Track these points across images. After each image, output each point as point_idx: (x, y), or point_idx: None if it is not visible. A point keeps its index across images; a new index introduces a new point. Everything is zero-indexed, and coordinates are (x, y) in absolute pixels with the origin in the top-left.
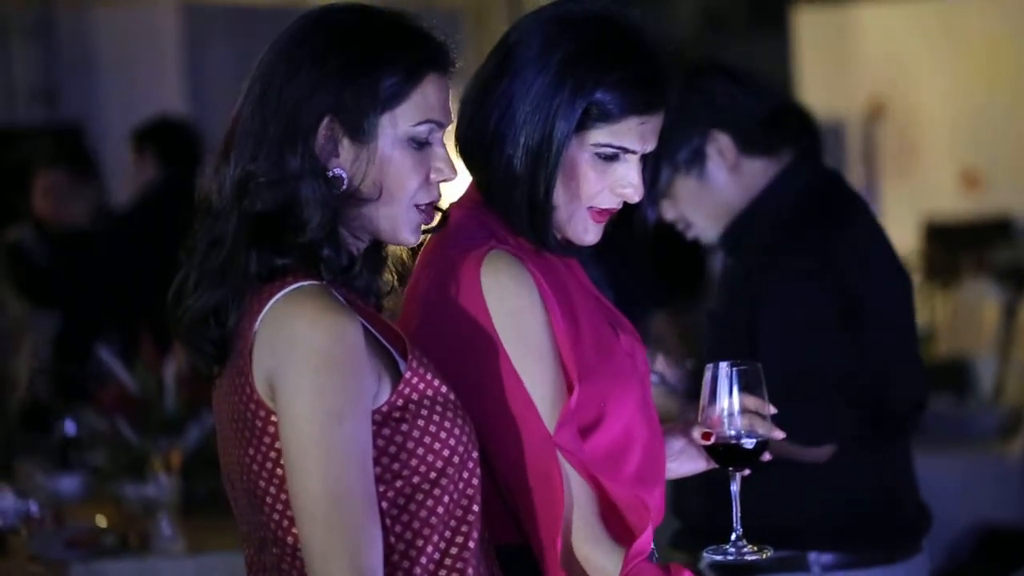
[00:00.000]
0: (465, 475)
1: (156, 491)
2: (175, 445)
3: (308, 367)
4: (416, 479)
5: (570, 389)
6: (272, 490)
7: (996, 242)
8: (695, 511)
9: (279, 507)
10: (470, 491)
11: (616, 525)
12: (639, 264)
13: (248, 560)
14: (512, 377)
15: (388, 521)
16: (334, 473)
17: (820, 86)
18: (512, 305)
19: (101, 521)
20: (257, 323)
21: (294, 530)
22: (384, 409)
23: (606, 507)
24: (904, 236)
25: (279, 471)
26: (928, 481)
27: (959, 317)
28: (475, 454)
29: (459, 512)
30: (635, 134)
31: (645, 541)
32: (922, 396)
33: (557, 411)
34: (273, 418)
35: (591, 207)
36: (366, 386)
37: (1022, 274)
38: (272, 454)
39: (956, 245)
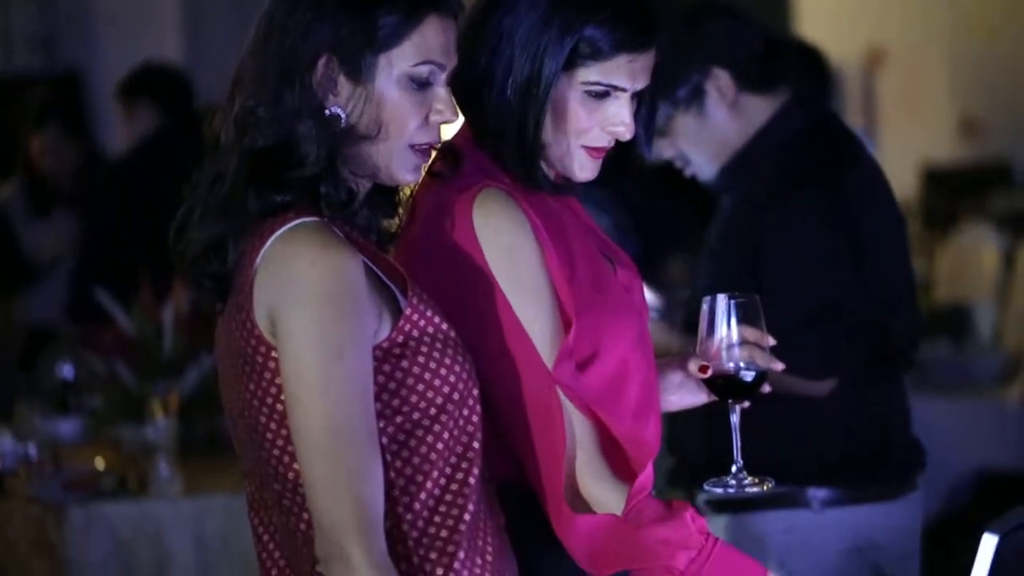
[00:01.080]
0: (465, 412)
1: (154, 434)
2: (173, 388)
3: (308, 303)
4: (416, 415)
5: (567, 325)
6: (273, 426)
7: (995, 189)
8: (692, 447)
9: (280, 443)
10: (470, 428)
11: (616, 461)
12: (658, 206)
13: (249, 497)
14: (508, 314)
15: (388, 457)
16: (334, 408)
17: (819, 33)
18: (505, 242)
19: (99, 464)
20: (258, 259)
21: (295, 466)
22: (384, 345)
23: (607, 443)
24: (903, 183)
25: (279, 407)
26: (927, 426)
27: (958, 263)
28: (475, 391)
29: (459, 448)
30: (625, 72)
31: (647, 476)
32: (918, 334)
33: (555, 347)
34: (274, 354)
35: (583, 145)
36: (366, 322)
37: (1021, 220)
38: (272, 390)
39: (955, 192)
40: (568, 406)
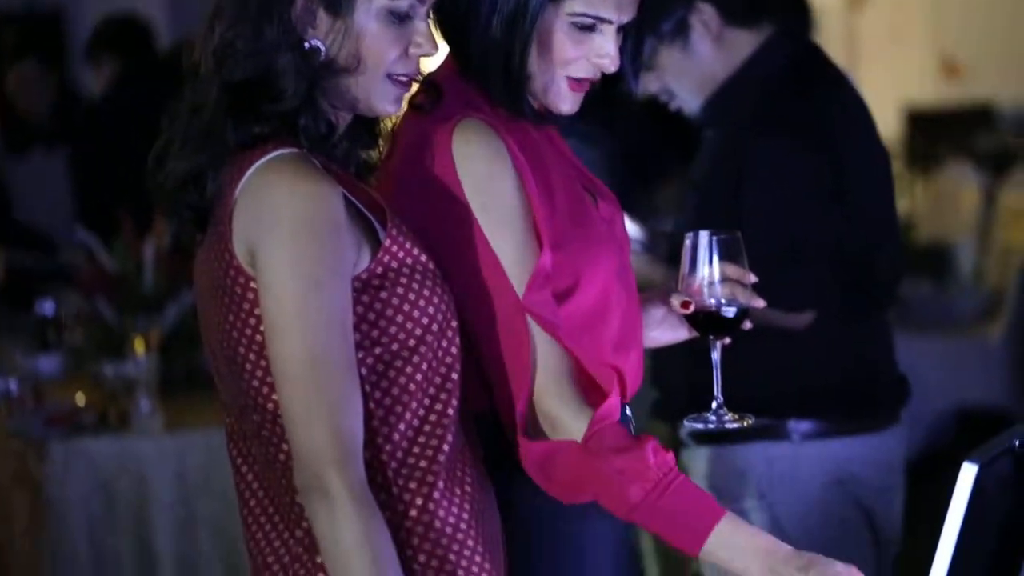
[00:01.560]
0: (444, 343)
1: (135, 369)
2: (154, 324)
3: (287, 234)
4: (395, 346)
5: (542, 254)
6: (252, 356)
7: (977, 130)
8: (675, 381)
9: (259, 373)
10: (449, 359)
11: (587, 391)
12: (644, 138)
13: (229, 428)
14: (483, 243)
15: (368, 388)
16: (313, 338)
17: None
18: (483, 172)
19: (80, 400)
20: (237, 190)
21: (274, 396)
22: (363, 276)
23: (576, 371)
24: (884, 124)
25: (258, 337)
26: (909, 364)
27: (939, 203)
28: (454, 323)
29: (438, 380)
30: (611, 4)
31: (612, 405)
32: (901, 269)
33: (527, 275)
34: (252, 284)
35: (568, 76)
36: (346, 253)
37: (1002, 159)
38: (252, 320)
39: (937, 133)
40: (537, 332)
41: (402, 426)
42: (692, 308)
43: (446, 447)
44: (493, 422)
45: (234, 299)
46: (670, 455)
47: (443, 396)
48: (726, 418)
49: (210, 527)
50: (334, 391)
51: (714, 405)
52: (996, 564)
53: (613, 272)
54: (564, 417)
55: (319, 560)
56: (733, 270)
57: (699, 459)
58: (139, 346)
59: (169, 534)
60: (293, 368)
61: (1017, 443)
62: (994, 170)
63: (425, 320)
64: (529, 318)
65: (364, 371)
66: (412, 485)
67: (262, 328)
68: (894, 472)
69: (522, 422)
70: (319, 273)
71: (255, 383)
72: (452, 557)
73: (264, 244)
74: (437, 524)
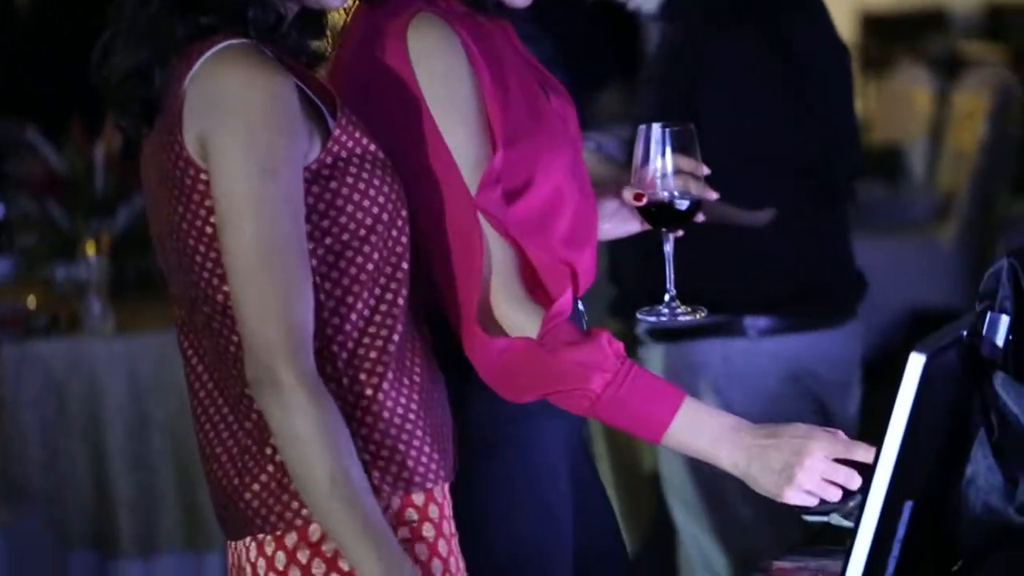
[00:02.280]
0: (394, 233)
1: (86, 272)
2: (105, 227)
3: (240, 124)
4: (346, 236)
5: (495, 151)
6: (202, 248)
7: (930, 34)
8: (630, 277)
9: (209, 265)
10: (399, 249)
11: (539, 290)
12: (590, 40)
13: (179, 322)
14: (436, 139)
15: (318, 279)
16: (267, 228)
17: None
18: (438, 66)
19: (31, 302)
20: (186, 81)
21: (224, 288)
22: (314, 167)
23: (527, 270)
24: (839, 27)
25: (208, 229)
26: (862, 266)
27: (892, 105)
28: (404, 212)
29: (388, 270)
30: None
31: (564, 302)
32: (857, 168)
33: (479, 173)
34: (203, 176)
35: None
36: (298, 142)
37: (955, 62)
38: (202, 212)
39: (890, 36)
40: (489, 231)
41: (353, 316)
42: (645, 201)
43: (396, 337)
44: (439, 318)
45: (184, 191)
46: (621, 344)
47: (393, 286)
48: (678, 311)
49: (162, 428)
50: (286, 282)
51: (667, 298)
52: (943, 455)
53: (566, 168)
54: (516, 317)
55: (268, 452)
56: (686, 162)
57: (655, 356)
58: (90, 249)
59: (121, 435)
60: (245, 259)
61: (965, 334)
62: (947, 73)
63: (375, 210)
64: (481, 217)
65: (314, 262)
66: (362, 376)
67: (212, 219)
68: (850, 367)
69: (474, 321)
70: (272, 163)
71: (205, 275)
72: (401, 447)
73: (216, 135)
74: (386, 414)
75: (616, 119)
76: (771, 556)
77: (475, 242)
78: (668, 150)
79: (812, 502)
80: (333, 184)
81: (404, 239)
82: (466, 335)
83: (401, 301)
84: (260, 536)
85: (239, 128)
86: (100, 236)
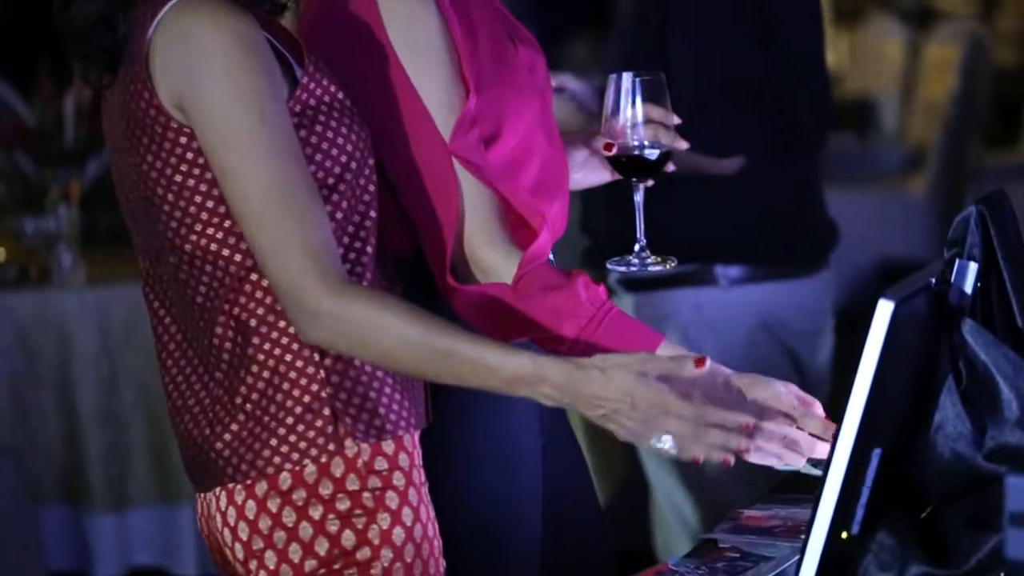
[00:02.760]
0: (362, 182)
1: (55, 224)
2: (75, 178)
3: (220, 72)
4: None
5: (467, 97)
6: (170, 197)
7: None
8: (602, 227)
9: (177, 215)
10: (367, 197)
11: (515, 233)
12: None
13: (144, 272)
14: (406, 86)
15: None
16: (269, 169)
17: None
18: (407, 12)
19: (0, 255)
20: (151, 29)
21: (192, 238)
22: None
23: (504, 215)
24: None
25: (178, 178)
26: (832, 217)
27: (863, 56)
28: (371, 161)
29: (356, 218)
30: None
31: (541, 246)
32: (828, 114)
33: (453, 117)
34: (173, 124)
35: None
36: (277, 82)
37: (926, 13)
38: (172, 160)
39: None
40: (464, 175)
41: None
42: (615, 150)
43: (364, 285)
44: (418, 268)
45: (153, 139)
46: (602, 289)
47: (361, 235)
48: (648, 260)
49: (132, 380)
50: (301, 211)
51: (637, 248)
52: (911, 403)
53: (534, 118)
54: (494, 258)
55: (239, 401)
56: (656, 112)
57: (627, 306)
58: (60, 200)
59: (91, 387)
60: (255, 205)
61: (933, 281)
62: (918, 25)
63: (344, 158)
64: (456, 162)
65: None
66: None
67: (183, 168)
68: (821, 317)
69: (451, 266)
70: (260, 104)
71: (173, 224)
72: (372, 395)
73: (198, 86)
74: (356, 362)
75: (587, 69)
76: (741, 506)
77: (451, 186)
78: (638, 99)
79: (771, 462)
80: (302, 132)
81: (371, 187)
82: (443, 281)
83: (370, 250)
84: (230, 485)
85: (220, 76)
86: (70, 187)
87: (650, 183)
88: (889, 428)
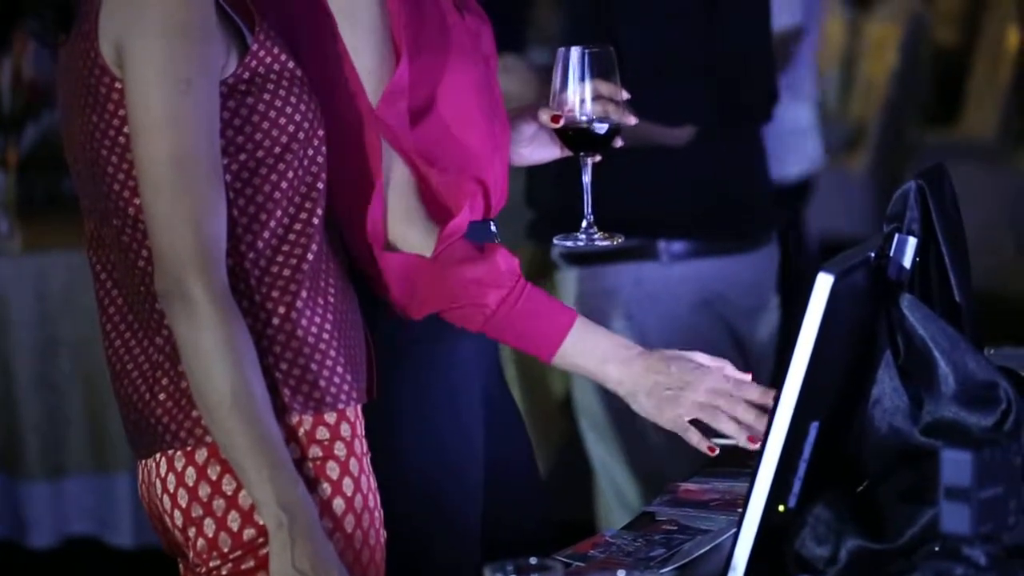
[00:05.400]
0: (310, 151)
1: None
2: (11, 145)
3: (157, 33)
4: (260, 153)
5: (399, 66)
6: (114, 159)
7: None
8: (548, 200)
9: (120, 177)
10: (314, 167)
11: (437, 208)
12: None
13: (89, 234)
14: (344, 53)
15: (232, 195)
16: (180, 139)
17: None
18: None
19: None
20: None
21: (136, 201)
22: (230, 81)
23: (426, 188)
24: None
25: (121, 139)
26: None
27: None
28: (320, 131)
29: (303, 188)
30: None
31: (461, 220)
32: (774, 85)
33: (382, 86)
34: (117, 85)
35: None
36: (215, 53)
37: None
38: (115, 122)
39: None
40: (386, 149)
41: (266, 234)
42: (562, 122)
43: (310, 256)
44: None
45: (98, 99)
46: (516, 261)
47: (308, 204)
48: (595, 236)
49: (71, 347)
50: (199, 195)
51: (584, 224)
52: (849, 377)
53: (474, 85)
54: (411, 234)
55: (180, 368)
56: (605, 87)
57: (569, 280)
58: None
59: (28, 356)
60: (157, 170)
61: (872, 255)
62: (858, 3)
63: (291, 127)
64: (381, 135)
65: (229, 178)
66: (275, 293)
67: (126, 130)
68: (763, 293)
69: (377, 238)
70: (188, 74)
71: (116, 186)
72: (313, 366)
73: (133, 44)
74: (299, 333)
75: (536, 42)
76: (679, 479)
77: (374, 159)
78: (587, 73)
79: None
80: (250, 100)
81: (320, 158)
82: (367, 249)
83: (316, 220)
84: (170, 452)
85: (155, 37)
86: (7, 154)
87: (598, 159)
88: (827, 402)
